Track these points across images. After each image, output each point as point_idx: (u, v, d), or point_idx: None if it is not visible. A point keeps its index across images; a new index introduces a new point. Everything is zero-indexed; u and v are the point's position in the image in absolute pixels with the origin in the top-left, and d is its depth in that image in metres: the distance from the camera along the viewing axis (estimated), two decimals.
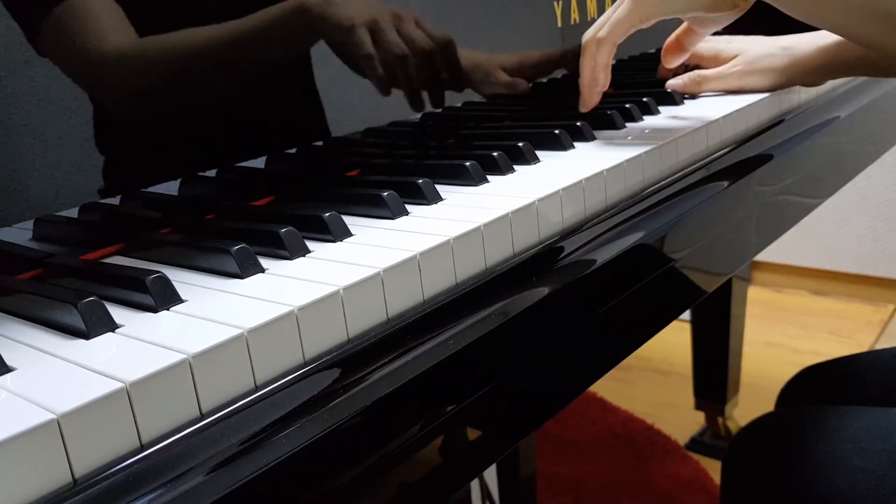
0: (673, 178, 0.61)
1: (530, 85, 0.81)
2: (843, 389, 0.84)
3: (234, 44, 0.57)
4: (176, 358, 0.32)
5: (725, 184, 0.63)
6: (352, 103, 0.65)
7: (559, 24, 0.83)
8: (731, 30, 0.76)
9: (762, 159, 0.69)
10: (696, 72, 0.82)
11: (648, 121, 0.74)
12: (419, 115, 0.71)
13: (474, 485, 1.06)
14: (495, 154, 0.59)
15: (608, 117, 0.71)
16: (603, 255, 0.51)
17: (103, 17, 0.50)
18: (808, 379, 0.88)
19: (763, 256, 2.22)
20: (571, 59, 0.85)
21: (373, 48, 0.63)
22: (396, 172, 0.62)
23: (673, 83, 0.82)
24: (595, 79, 0.69)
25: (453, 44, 0.71)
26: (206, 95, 0.56)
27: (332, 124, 0.64)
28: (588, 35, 0.68)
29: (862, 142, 0.93)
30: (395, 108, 0.68)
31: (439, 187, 0.54)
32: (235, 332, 0.34)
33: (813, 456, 0.67)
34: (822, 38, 0.78)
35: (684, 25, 0.75)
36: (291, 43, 0.61)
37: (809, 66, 0.79)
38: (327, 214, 0.47)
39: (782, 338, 2.00)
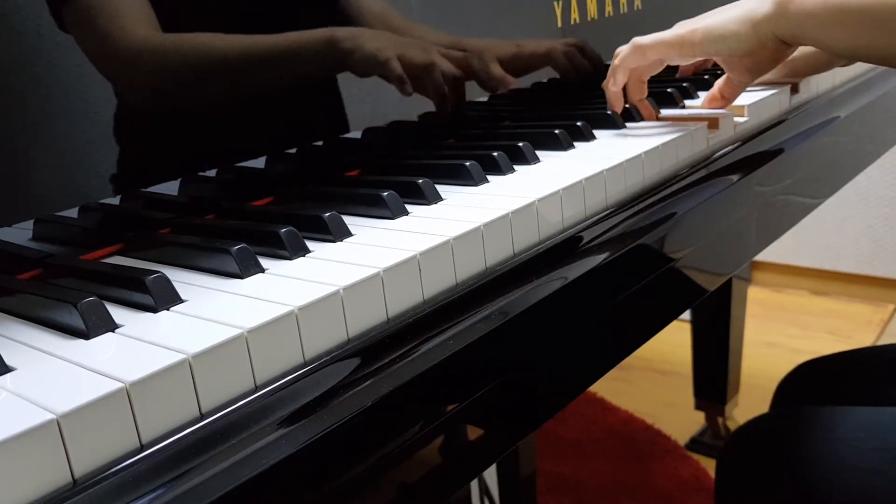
0: (673, 177, 0.61)
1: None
2: (838, 386, 0.84)
3: (257, 57, 0.57)
4: (176, 358, 0.32)
5: (725, 183, 0.63)
6: (352, 103, 0.65)
7: (559, 25, 0.83)
8: None
9: (763, 159, 0.69)
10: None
11: (649, 120, 0.74)
12: (419, 115, 0.71)
13: (474, 485, 1.06)
14: (495, 154, 0.59)
15: (608, 117, 0.71)
16: (603, 255, 0.51)
17: (128, 6, 0.50)
18: (803, 376, 0.88)
19: (763, 256, 2.22)
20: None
21: (403, 72, 0.64)
22: (396, 172, 0.62)
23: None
24: (610, 77, 0.69)
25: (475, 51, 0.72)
26: (218, 100, 0.56)
27: (333, 124, 0.64)
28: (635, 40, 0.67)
29: (862, 142, 0.93)
30: (396, 108, 0.68)
31: (439, 187, 0.54)
32: (235, 332, 0.34)
33: (806, 456, 0.67)
34: None
35: (724, 77, 0.71)
36: (315, 68, 0.61)
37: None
38: (327, 214, 0.47)
39: (782, 338, 2.00)
